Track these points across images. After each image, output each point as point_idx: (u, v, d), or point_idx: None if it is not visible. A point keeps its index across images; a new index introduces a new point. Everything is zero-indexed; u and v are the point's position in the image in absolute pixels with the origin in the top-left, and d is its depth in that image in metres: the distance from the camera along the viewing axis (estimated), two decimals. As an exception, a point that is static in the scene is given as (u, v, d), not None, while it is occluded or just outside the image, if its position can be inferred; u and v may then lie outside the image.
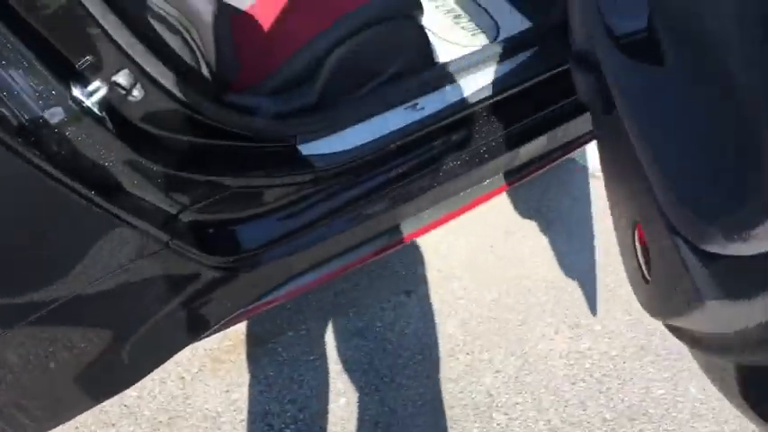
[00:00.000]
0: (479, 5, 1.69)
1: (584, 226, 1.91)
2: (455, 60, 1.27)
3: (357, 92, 1.19)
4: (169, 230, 0.86)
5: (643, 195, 0.74)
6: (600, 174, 1.02)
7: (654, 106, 0.72)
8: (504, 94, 1.28)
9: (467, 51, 1.53)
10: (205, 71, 1.02)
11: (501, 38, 1.58)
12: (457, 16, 1.64)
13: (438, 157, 1.21)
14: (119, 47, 0.79)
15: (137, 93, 0.83)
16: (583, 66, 0.96)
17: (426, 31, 1.58)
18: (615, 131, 0.81)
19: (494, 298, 1.71)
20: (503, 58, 1.31)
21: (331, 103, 1.15)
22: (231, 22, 1.16)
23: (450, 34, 1.57)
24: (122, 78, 0.81)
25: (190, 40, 0.98)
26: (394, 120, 1.15)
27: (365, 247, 1.17)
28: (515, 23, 1.63)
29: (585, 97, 1.01)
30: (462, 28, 1.60)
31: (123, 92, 0.82)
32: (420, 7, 1.24)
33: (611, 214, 0.99)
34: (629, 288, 0.92)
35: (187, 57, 0.97)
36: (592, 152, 2.06)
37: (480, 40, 1.56)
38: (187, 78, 0.92)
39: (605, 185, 1.01)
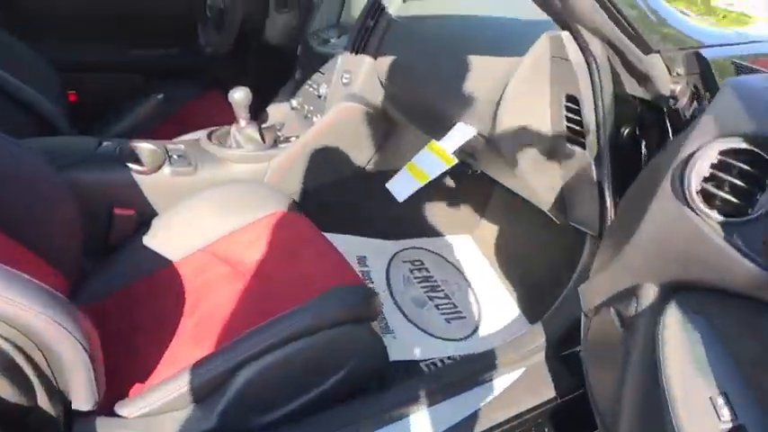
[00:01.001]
0: (464, 277, 1.46)
1: None
2: (409, 384, 0.99)
3: (265, 418, 0.89)
4: None
5: None
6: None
7: None
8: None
9: (433, 342, 1.26)
10: (44, 403, 0.73)
11: (480, 332, 1.31)
12: (433, 288, 1.40)
13: None
14: None
15: None
16: None
17: (392, 305, 1.34)
18: None
19: None
20: (474, 382, 1.01)
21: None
22: (100, 313, 0.90)
23: (420, 316, 1.31)
24: None
25: (24, 364, 0.70)
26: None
27: None
28: (505, 314, 1.36)
29: None
30: (437, 307, 1.34)
31: None
32: (373, 308, 0.98)
33: None
34: None
35: (11, 392, 0.68)
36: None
37: (454, 330, 1.29)
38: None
39: None
